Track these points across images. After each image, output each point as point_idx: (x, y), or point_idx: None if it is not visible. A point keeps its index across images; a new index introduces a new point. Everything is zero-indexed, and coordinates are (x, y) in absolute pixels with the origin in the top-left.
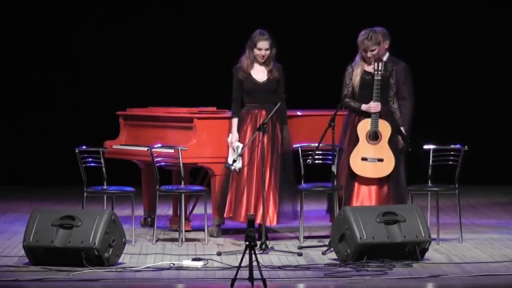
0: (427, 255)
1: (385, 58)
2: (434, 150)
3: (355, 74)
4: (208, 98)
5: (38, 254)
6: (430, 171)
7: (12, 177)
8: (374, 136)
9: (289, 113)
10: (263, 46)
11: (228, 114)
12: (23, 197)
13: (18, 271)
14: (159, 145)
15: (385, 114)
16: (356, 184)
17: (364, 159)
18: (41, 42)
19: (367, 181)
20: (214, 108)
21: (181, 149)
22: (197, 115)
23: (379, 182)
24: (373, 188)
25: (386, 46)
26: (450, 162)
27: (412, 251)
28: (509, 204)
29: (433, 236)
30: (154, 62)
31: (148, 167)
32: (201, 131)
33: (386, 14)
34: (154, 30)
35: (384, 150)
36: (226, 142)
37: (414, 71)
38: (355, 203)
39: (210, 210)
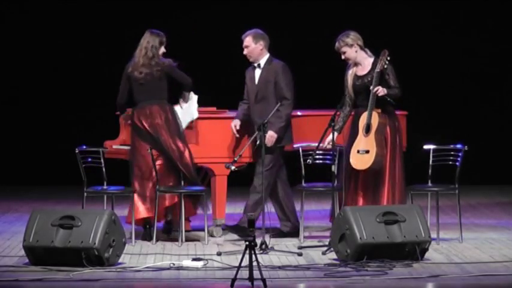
0: (427, 255)
1: (264, 59)
2: (434, 150)
3: (348, 78)
4: (208, 98)
5: (38, 254)
6: (430, 171)
7: (12, 177)
8: (367, 129)
9: None
10: None
11: (228, 114)
12: (23, 197)
13: (18, 271)
14: None
15: (388, 112)
16: (352, 184)
17: (358, 151)
18: (42, 43)
19: (363, 180)
20: (214, 108)
21: None
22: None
23: (375, 182)
24: (369, 188)
25: (261, 47)
26: (450, 162)
27: (412, 251)
28: (509, 204)
29: (433, 236)
30: None
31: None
32: (201, 131)
33: (384, 13)
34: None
35: (369, 142)
36: (226, 142)
37: (414, 71)
38: (351, 202)
39: (210, 210)
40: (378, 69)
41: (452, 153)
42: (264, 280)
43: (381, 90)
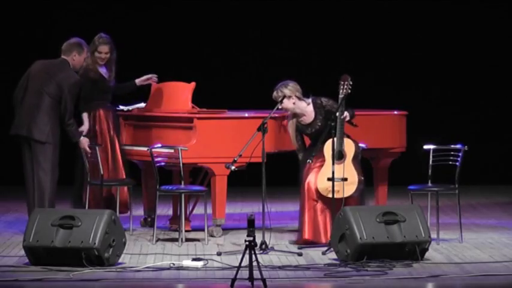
0: (427, 255)
1: None
2: (434, 150)
3: (289, 129)
4: (208, 98)
5: (38, 254)
6: (430, 171)
7: (12, 177)
8: (339, 156)
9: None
10: (103, 50)
11: (228, 114)
12: (23, 197)
13: (18, 271)
14: (159, 145)
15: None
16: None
17: (329, 179)
18: (45, 43)
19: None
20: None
21: (181, 149)
22: (197, 115)
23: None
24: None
25: None
26: (450, 162)
27: (412, 251)
28: (509, 204)
29: (433, 236)
30: (153, 61)
31: (148, 167)
32: (201, 131)
33: (382, 12)
34: (154, 30)
35: (348, 169)
36: (226, 142)
37: (414, 71)
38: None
39: (210, 210)
40: (341, 95)
41: (452, 153)
42: (264, 280)
43: (347, 115)
